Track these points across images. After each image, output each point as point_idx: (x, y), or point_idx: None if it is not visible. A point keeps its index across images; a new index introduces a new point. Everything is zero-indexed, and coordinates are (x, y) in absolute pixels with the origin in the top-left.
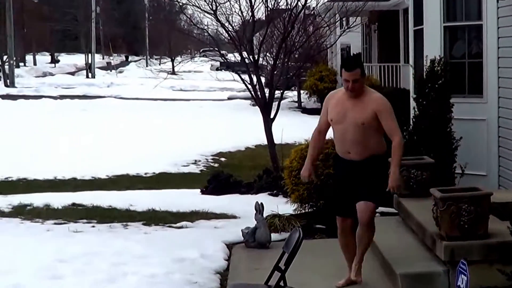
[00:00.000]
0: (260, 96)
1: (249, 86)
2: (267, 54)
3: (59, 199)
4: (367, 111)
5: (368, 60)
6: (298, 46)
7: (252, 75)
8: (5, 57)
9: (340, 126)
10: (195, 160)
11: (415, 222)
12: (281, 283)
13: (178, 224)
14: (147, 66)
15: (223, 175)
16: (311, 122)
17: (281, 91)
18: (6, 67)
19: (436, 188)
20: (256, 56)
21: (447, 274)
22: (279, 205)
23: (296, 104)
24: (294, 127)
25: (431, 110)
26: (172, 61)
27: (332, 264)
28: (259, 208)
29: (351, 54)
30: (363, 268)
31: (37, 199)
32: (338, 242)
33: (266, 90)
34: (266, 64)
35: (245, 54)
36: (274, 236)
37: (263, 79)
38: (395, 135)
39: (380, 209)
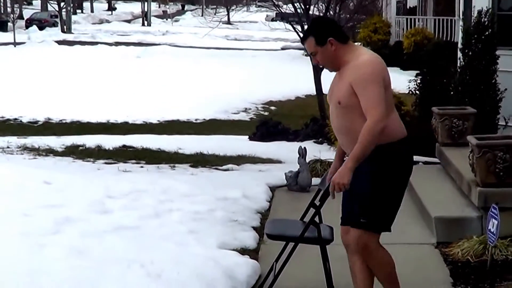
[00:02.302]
0: None
1: (301, 36)
2: (319, 3)
3: (110, 141)
4: (344, 85)
5: (424, 13)
6: None
7: (304, 25)
8: (62, 4)
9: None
10: (245, 108)
11: (454, 170)
12: (316, 219)
13: (224, 167)
14: (202, 15)
15: (271, 122)
16: None
17: None
18: (64, 13)
19: (473, 135)
20: (308, 6)
21: (481, 219)
22: (322, 152)
23: None
24: None
25: (476, 61)
26: (228, 10)
27: None
28: (302, 152)
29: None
30: (401, 213)
31: (89, 140)
32: None
33: None
34: (318, 14)
35: (298, 4)
36: (315, 180)
37: None
38: (368, 114)
39: (423, 158)
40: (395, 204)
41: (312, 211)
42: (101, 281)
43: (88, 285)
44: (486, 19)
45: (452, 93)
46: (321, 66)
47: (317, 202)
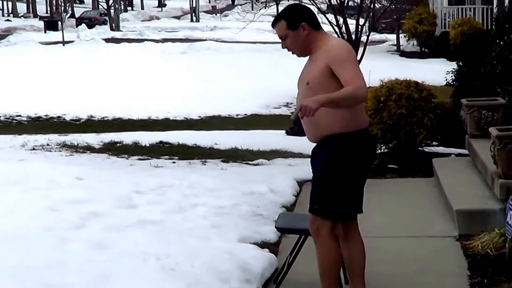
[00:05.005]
0: (346, 38)
1: (336, 28)
2: None
3: (148, 137)
4: (316, 67)
5: (472, 2)
6: None
7: (337, 16)
8: (111, 1)
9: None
10: (287, 103)
11: (480, 162)
12: None
13: (255, 162)
14: (252, 9)
15: None
16: (408, 65)
17: (367, 33)
18: (112, 11)
19: (495, 127)
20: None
21: (504, 212)
22: None
23: (395, 48)
24: (390, 69)
25: (507, 51)
26: (277, 4)
27: (398, 203)
28: None
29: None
30: (426, 206)
31: (127, 137)
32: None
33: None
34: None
35: None
36: None
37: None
38: (351, 82)
39: (456, 150)
40: (348, 194)
41: None
42: (116, 274)
43: (102, 278)
44: None
45: (483, 84)
46: (290, 51)
47: None
